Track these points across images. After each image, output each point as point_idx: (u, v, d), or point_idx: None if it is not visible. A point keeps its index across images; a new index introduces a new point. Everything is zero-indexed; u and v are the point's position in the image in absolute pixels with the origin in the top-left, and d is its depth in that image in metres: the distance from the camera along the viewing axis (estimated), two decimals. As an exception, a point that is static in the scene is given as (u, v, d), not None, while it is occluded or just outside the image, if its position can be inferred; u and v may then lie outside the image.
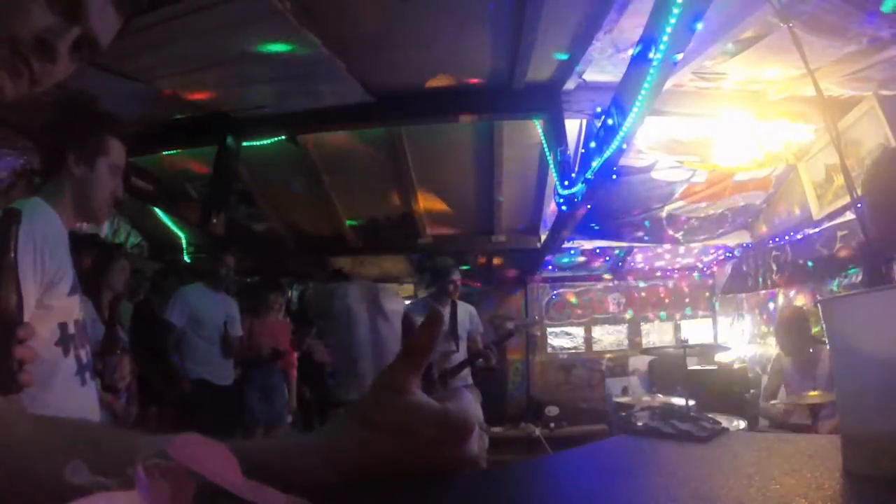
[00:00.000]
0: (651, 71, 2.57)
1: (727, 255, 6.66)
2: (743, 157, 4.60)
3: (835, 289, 4.67)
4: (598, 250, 6.43)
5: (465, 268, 6.99)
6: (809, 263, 5.10)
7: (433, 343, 0.48)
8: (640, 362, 6.66)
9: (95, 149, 1.56)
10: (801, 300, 5.18)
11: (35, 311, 1.32)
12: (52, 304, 1.39)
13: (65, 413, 1.30)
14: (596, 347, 7.30)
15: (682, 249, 6.46)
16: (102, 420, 1.70)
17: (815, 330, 3.56)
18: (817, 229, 4.83)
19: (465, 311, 3.95)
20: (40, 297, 1.36)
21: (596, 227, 5.73)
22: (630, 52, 2.93)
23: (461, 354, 3.79)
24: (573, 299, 7.36)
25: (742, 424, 3.66)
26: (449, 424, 0.45)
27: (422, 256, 6.23)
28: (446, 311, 3.80)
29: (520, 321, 6.33)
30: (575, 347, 7.32)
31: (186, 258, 6.23)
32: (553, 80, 3.81)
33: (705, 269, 7.27)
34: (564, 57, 3.49)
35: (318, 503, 0.36)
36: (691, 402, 3.76)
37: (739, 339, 6.44)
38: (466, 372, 3.81)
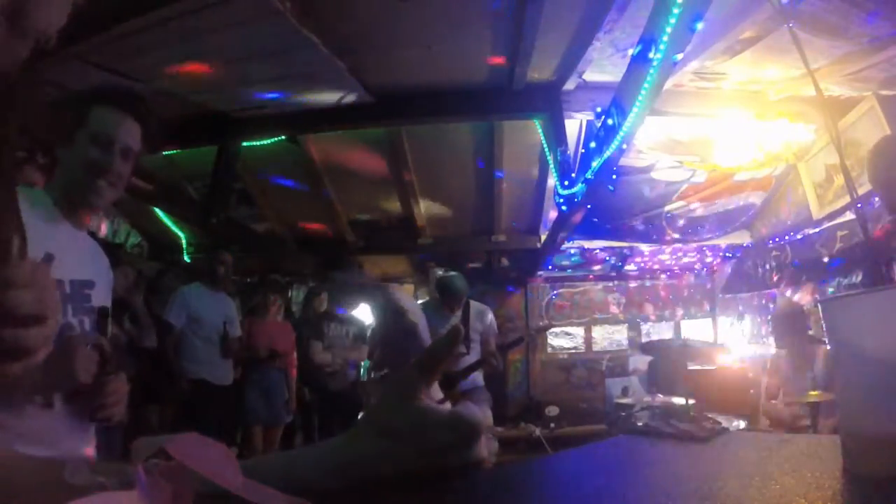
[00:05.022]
0: (651, 71, 2.57)
1: (727, 255, 6.65)
2: (743, 157, 4.60)
3: (834, 289, 4.67)
4: (598, 250, 6.42)
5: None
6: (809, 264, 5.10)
7: (450, 358, 0.48)
8: (640, 362, 6.65)
9: (73, 120, 1.34)
10: (801, 300, 5.18)
11: None
12: None
13: (24, 439, 1.13)
14: (596, 347, 7.30)
15: (682, 249, 6.46)
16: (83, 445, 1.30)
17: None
18: (817, 229, 4.83)
19: (478, 311, 3.82)
20: None
21: (596, 228, 5.73)
22: (630, 52, 2.93)
23: (472, 356, 3.67)
24: (573, 299, 7.36)
25: (742, 424, 3.66)
26: (460, 428, 0.46)
27: (431, 258, 6.21)
28: (453, 318, 3.69)
29: (528, 329, 6.31)
30: (575, 347, 7.32)
31: (186, 258, 6.23)
32: (553, 80, 3.81)
33: (705, 269, 7.26)
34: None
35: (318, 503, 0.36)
36: (691, 402, 3.76)
37: (739, 339, 6.43)
38: (477, 373, 3.71)
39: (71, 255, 1.33)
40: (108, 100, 1.38)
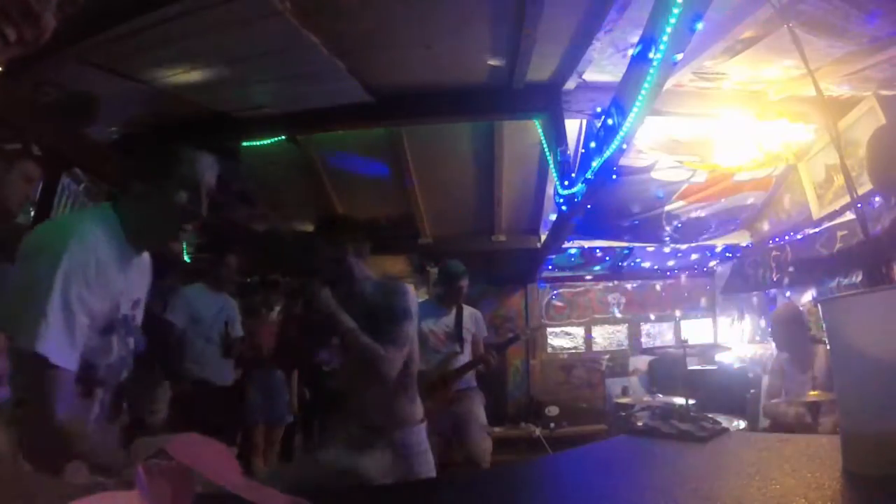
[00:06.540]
0: (651, 71, 2.57)
1: (727, 255, 6.65)
2: (743, 157, 4.60)
3: (834, 289, 4.67)
4: (598, 250, 6.42)
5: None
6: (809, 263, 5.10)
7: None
8: (640, 362, 6.66)
9: (161, 161, 1.32)
10: (801, 300, 5.18)
11: None
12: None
13: None
14: (596, 347, 7.30)
15: (682, 249, 6.46)
16: None
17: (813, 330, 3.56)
18: (817, 229, 4.83)
19: (470, 314, 3.95)
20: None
21: (596, 228, 5.73)
22: (630, 52, 2.93)
23: (465, 357, 3.78)
24: (573, 299, 7.35)
25: (742, 424, 3.66)
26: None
27: (430, 257, 6.21)
28: (452, 315, 3.81)
29: (524, 327, 6.33)
30: (575, 347, 7.31)
31: (187, 258, 6.22)
32: (553, 80, 3.81)
33: (705, 269, 7.26)
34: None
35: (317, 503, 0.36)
36: (691, 402, 3.76)
37: (739, 339, 6.43)
38: (471, 374, 3.81)
39: (132, 283, 1.33)
40: (196, 140, 1.32)
